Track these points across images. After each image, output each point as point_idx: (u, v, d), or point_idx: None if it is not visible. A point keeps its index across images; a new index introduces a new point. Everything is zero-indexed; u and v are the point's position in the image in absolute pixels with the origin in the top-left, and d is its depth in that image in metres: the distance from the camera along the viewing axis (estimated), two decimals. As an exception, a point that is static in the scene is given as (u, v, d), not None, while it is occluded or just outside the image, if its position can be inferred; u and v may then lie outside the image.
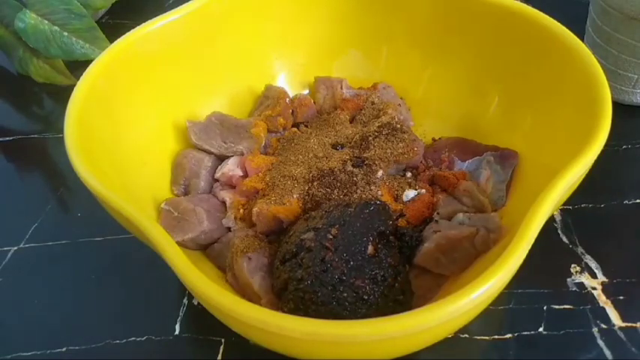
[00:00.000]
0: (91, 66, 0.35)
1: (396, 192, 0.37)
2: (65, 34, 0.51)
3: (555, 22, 0.37)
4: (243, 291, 0.32)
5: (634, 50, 0.44)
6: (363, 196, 0.36)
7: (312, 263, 0.30)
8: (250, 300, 0.27)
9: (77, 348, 0.35)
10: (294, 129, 0.43)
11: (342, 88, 0.45)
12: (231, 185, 0.39)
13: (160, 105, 0.39)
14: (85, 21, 0.51)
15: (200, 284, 0.25)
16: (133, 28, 0.38)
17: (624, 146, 0.45)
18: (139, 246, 0.31)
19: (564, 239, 0.39)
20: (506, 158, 0.38)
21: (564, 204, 0.34)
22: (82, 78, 0.35)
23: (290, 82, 0.46)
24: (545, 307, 0.35)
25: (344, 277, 0.29)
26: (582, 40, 0.36)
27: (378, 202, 0.34)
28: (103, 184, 0.29)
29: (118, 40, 0.37)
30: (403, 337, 0.24)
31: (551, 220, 0.40)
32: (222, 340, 0.34)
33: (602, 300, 0.35)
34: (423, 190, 0.37)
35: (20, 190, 0.47)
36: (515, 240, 0.25)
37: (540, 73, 0.37)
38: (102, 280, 0.39)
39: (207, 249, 0.36)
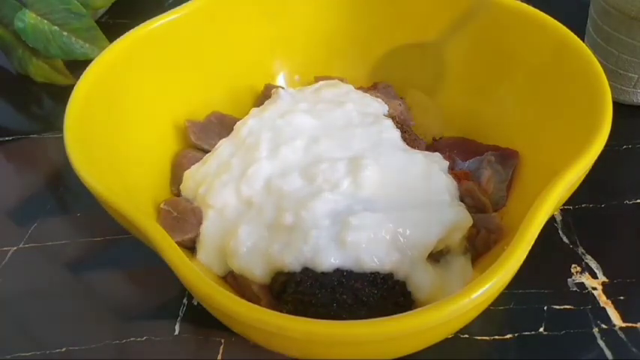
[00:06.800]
0: (90, 66, 0.35)
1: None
2: (65, 33, 0.51)
3: (556, 21, 0.36)
4: (243, 292, 0.32)
5: (634, 50, 0.44)
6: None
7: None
8: (250, 301, 0.27)
9: (77, 348, 0.35)
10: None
11: (342, 87, 0.45)
12: (231, 185, 0.39)
13: (159, 105, 0.39)
14: (84, 21, 0.51)
15: (200, 284, 0.25)
16: (133, 28, 0.38)
17: (625, 146, 0.45)
18: (139, 246, 0.31)
19: (565, 239, 0.39)
20: (507, 158, 0.37)
21: (565, 204, 0.34)
22: (81, 78, 0.35)
23: (290, 82, 0.46)
24: (545, 308, 0.35)
25: (343, 280, 0.29)
26: (583, 40, 0.36)
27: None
28: (103, 184, 0.29)
29: (118, 39, 0.37)
30: (403, 337, 0.24)
31: (552, 220, 0.40)
32: (222, 340, 0.34)
33: (603, 300, 0.35)
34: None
35: (20, 190, 0.46)
36: (515, 240, 0.25)
37: (541, 72, 0.37)
38: (102, 280, 0.39)
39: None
